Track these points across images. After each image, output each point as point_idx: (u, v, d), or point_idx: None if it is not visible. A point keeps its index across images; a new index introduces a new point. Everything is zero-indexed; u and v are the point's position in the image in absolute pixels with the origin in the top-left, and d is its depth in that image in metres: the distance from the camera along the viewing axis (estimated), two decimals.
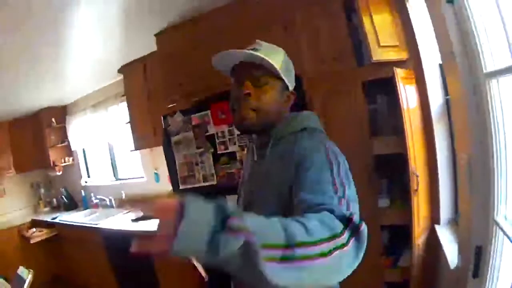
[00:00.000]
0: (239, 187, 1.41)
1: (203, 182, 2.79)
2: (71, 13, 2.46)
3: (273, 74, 1.16)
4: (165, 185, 3.98)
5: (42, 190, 6.40)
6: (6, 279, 2.77)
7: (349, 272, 0.74)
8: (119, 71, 4.05)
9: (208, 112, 2.69)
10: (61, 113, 5.74)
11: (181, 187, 2.90)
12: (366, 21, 2.15)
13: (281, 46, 1.23)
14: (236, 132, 2.58)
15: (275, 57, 1.16)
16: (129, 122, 3.99)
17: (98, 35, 3.04)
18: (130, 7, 2.58)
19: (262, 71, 1.14)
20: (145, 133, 3.77)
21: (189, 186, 2.85)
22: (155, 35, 3.20)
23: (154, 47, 3.30)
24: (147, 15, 2.77)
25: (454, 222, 2.20)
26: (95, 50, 3.39)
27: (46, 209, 6.23)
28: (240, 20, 2.67)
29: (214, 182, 2.74)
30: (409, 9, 2.21)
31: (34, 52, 3.04)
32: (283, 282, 0.61)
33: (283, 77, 1.17)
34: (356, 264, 0.74)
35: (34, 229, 5.33)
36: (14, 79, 3.78)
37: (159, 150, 3.70)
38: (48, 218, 5.43)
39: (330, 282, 0.73)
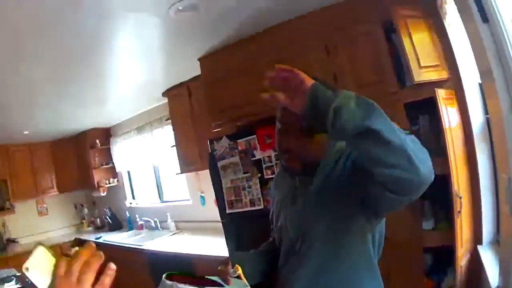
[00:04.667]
0: (273, 213, 1.60)
1: (250, 206, 2.97)
2: (113, 41, 2.73)
3: None
4: (211, 208, 4.19)
5: (86, 210, 6.87)
6: None
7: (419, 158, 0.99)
8: (164, 94, 4.33)
9: (254, 136, 2.87)
10: (105, 134, 6.17)
11: (228, 211, 3.09)
12: (406, 41, 2.24)
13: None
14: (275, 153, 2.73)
15: None
16: (174, 145, 4.24)
17: (141, 61, 3.32)
18: (171, 34, 2.81)
19: None
20: (191, 156, 4.01)
21: (236, 211, 3.03)
22: (199, 59, 3.40)
23: (198, 71, 3.51)
24: (189, 40, 2.98)
25: (496, 242, 2.24)
26: (138, 75, 3.69)
27: (90, 228, 6.70)
28: (280, 43, 2.84)
29: (261, 207, 2.91)
30: (447, 28, 2.30)
31: (78, 77, 3.34)
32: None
33: None
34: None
35: (77, 248, 5.66)
36: (58, 102, 4.16)
37: (205, 173, 3.92)
38: (91, 237, 5.81)
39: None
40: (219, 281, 1.40)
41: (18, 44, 2.41)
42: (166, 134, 4.77)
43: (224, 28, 2.84)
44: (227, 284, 1.39)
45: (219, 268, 1.44)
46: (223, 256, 3.20)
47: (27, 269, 0.74)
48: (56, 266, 0.73)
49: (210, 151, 3.14)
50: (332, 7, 2.57)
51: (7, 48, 2.44)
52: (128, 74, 3.63)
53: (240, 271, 1.42)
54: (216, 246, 3.60)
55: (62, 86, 3.54)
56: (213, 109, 3.35)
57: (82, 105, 4.47)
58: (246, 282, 1.41)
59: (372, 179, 1.07)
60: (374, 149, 1.00)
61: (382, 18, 2.36)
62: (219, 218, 3.51)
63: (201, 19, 2.54)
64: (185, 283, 1.32)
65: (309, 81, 1.02)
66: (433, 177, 1.03)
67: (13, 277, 3.77)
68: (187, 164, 4.14)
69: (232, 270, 1.42)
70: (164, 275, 1.35)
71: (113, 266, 0.74)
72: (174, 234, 4.73)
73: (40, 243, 0.77)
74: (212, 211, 4.17)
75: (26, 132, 5.42)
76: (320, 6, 2.60)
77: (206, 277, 1.41)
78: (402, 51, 2.27)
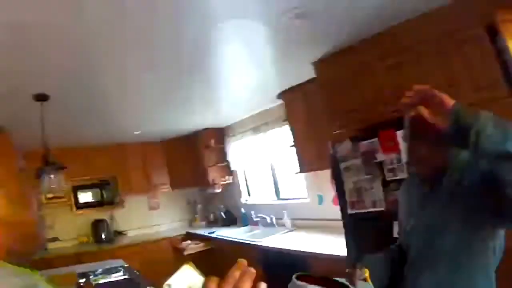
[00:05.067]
0: (401, 218, 1.69)
1: (372, 207, 3.01)
2: (222, 48, 2.92)
3: None
4: (328, 207, 4.30)
5: (199, 206, 7.35)
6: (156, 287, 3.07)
7: None
8: (278, 97, 4.52)
9: (376, 139, 2.91)
10: (220, 134, 6.51)
11: (349, 212, 3.16)
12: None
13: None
14: (404, 160, 2.75)
15: None
16: (293, 145, 4.40)
17: (251, 66, 3.50)
18: (282, 41, 2.92)
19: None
20: (309, 156, 4.14)
21: (358, 211, 3.10)
22: (312, 63, 3.50)
23: (312, 74, 3.62)
24: (301, 46, 3.07)
25: None
26: (250, 79, 3.89)
27: (202, 223, 7.13)
28: (395, 47, 2.85)
29: (383, 208, 2.94)
30: None
31: (189, 82, 3.60)
32: None
33: None
34: None
35: (189, 241, 6.16)
36: (172, 105, 4.55)
37: (324, 173, 4.03)
38: (204, 232, 6.21)
39: None
40: (346, 283, 1.49)
41: (128, 54, 2.70)
42: (283, 134, 4.95)
43: (336, 33, 2.89)
44: (354, 286, 1.46)
45: (346, 270, 1.53)
46: (339, 256, 3.31)
47: (168, 286, 0.76)
48: (205, 285, 0.74)
49: (332, 153, 3.23)
50: (436, 11, 2.55)
51: (120, 57, 2.74)
52: (240, 79, 3.84)
53: (367, 274, 1.48)
54: (332, 245, 3.66)
55: (173, 90, 3.86)
56: (331, 112, 3.45)
57: (193, 108, 4.82)
58: (372, 286, 1.47)
59: (502, 195, 1.13)
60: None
61: (485, 22, 2.31)
62: (335, 217, 3.59)
63: (313, 25, 2.62)
64: (313, 283, 1.44)
65: (449, 102, 1.16)
66: None
67: (120, 268, 3.91)
68: (305, 164, 4.27)
69: (359, 273, 1.49)
70: (294, 276, 1.46)
71: (263, 286, 0.76)
72: (289, 231, 4.87)
73: (187, 263, 0.80)
74: (329, 210, 4.29)
75: (137, 133, 5.93)
76: (426, 9, 2.58)
77: (333, 278, 1.51)
78: (508, 54, 2.21)
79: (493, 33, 2.31)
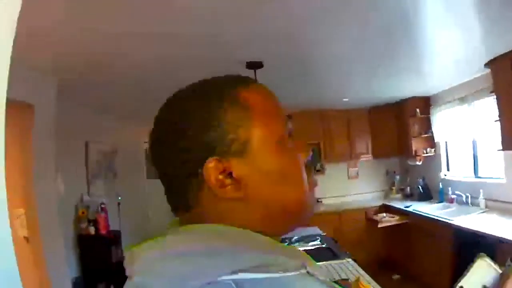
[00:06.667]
0: None
1: None
2: (421, 15, 2.88)
3: None
4: None
5: (397, 177, 7.28)
6: (353, 258, 3.05)
7: None
8: (486, 65, 4.19)
9: None
10: (425, 104, 6.32)
11: None
12: None
13: None
14: None
15: None
16: (498, 120, 4.09)
17: (456, 33, 3.33)
18: (491, 4, 2.70)
19: None
20: None
21: None
22: None
23: None
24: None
25: None
26: (455, 47, 3.72)
27: (398, 195, 7.08)
28: None
29: None
30: None
31: (396, 52, 3.69)
32: None
33: None
34: None
35: (384, 214, 6.22)
36: (380, 75, 4.63)
37: None
38: (399, 205, 6.21)
39: None
40: None
41: (339, 26, 2.89)
42: (489, 106, 4.60)
43: None
44: None
45: None
46: None
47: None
48: None
49: None
50: None
51: (332, 28, 2.93)
52: (444, 46, 3.70)
53: None
54: None
55: (381, 61, 3.97)
56: None
57: (400, 77, 4.84)
58: None
59: None
60: None
61: None
62: None
63: None
64: None
65: None
66: None
67: (317, 237, 3.79)
68: (509, 141, 3.95)
69: None
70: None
71: None
72: (483, 212, 4.62)
73: (481, 257, 0.79)
74: None
75: (345, 99, 6.13)
76: None
77: None
78: None
79: None
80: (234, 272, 0.52)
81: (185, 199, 0.67)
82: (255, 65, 3.52)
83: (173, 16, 2.51)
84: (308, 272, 0.58)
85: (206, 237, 0.60)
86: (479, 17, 3.02)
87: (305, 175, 0.70)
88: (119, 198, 5.64)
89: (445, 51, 3.85)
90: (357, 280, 1.99)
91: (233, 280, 0.52)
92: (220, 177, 0.62)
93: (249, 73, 3.52)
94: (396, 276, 5.86)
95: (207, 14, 2.49)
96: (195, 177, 0.64)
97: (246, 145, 0.64)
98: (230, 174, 0.63)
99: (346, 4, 2.50)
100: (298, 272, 0.56)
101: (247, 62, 3.49)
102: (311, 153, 0.74)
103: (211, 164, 0.62)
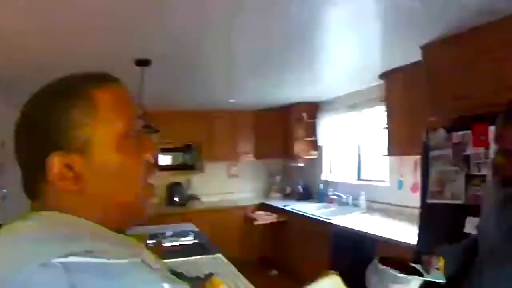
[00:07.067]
0: (483, 210, 1.72)
1: (451, 199, 3.03)
2: (327, 29, 3.01)
3: None
4: (407, 194, 4.34)
5: (279, 178, 7.56)
6: (223, 254, 3.19)
7: None
8: (380, 77, 4.55)
9: (469, 132, 2.91)
10: (313, 109, 6.59)
11: (428, 201, 3.20)
12: None
13: None
14: (491, 156, 2.72)
15: None
16: (386, 127, 4.44)
17: (356, 47, 3.56)
18: (390, 20, 2.91)
19: None
20: (400, 141, 4.16)
21: (436, 201, 3.13)
22: (421, 47, 3.46)
23: (417, 57, 3.58)
24: (410, 28, 3.06)
25: None
26: (353, 60, 3.97)
27: (278, 195, 7.34)
28: (498, 45, 2.80)
29: (461, 202, 2.94)
30: None
31: (291, 56, 3.71)
32: None
33: None
34: None
35: (262, 212, 6.44)
36: (268, 77, 4.68)
37: (409, 158, 4.14)
38: (278, 204, 6.44)
39: None
40: (421, 269, 1.59)
41: (231, 22, 2.81)
42: (377, 114, 4.99)
43: (450, 18, 2.83)
44: (428, 273, 1.57)
45: (423, 257, 1.63)
46: (407, 244, 3.39)
47: None
48: None
49: (424, 140, 3.26)
50: None
51: (222, 25, 2.88)
52: (343, 59, 3.91)
53: (441, 264, 1.58)
54: (403, 232, 3.74)
55: (271, 63, 3.99)
56: (433, 98, 3.43)
57: (291, 81, 4.92)
58: (444, 275, 1.57)
59: None
60: None
61: None
62: (412, 204, 3.63)
63: (426, 7, 2.58)
64: (392, 267, 1.56)
65: None
66: None
67: (190, 232, 3.95)
68: (395, 147, 4.31)
69: (435, 261, 1.59)
70: (376, 259, 1.61)
71: None
72: (364, 212, 4.98)
73: (332, 274, 0.84)
74: (406, 197, 4.35)
75: (231, 101, 6.16)
76: None
77: (410, 264, 1.62)
78: None
79: None
80: (66, 256, 0.55)
81: (32, 188, 0.71)
82: (143, 63, 3.52)
83: (58, 11, 2.39)
84: (142, 261, 0.63)
85: (44, 224, 0.65)
86: (381, 32, 3.25)
87: (144, 175, 0.76)
88: (4, 191, 5.15)
89: (341, 61, 4.08)
90: (210, 276, 2.11)
91: (63, 263, 0.55)
92: (62, 171, 0.67)
93: (137, 70, 3.55)
94: (274, 272, 6.09)
95: (97, 9, 2.41)
96: (41, 169, 0.67)
97: (88, 142, 0.69)
98: (72, 169, 0.68)
99: (238, 7, 2.47)
100: (130, 260, 0.61)
101: (136, 60, 3.47)
102: (157, 152, 0.82)
103: (54, 158, 0.67)
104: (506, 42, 2.76)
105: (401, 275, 1.49)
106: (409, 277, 1.50)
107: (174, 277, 0.70)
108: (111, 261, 0.57)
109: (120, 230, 0.73)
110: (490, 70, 2.86)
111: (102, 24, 2.66)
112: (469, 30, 3.02)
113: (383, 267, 1.54)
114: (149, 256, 0.67)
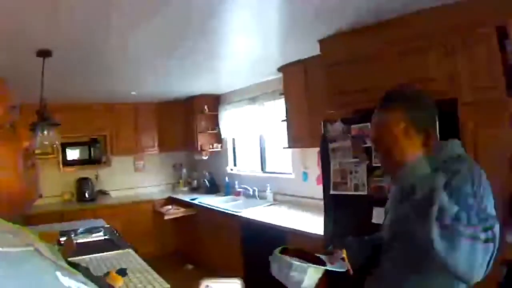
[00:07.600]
0: (386, 206, 1.78)
1: (354, 191, 3.13)
2: (231, 18, 2.93)
3: None
4: (312, 185, 4.44)
5: (184, 171, 7.51)
6: (134, 249, 3.23)
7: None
8: (279, 69, 4.58)
9: (368, 124, 3.00)
10: (215, 101, 6.63)
11: (331, 192, 3.29)
12: None
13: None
14: None
15: None
16: (285, 120, 4.49)
17: (257, 38, 3.54)
18: (292, 14, 2.92)
19: None
20: (300, 133, 4.24)
21: (340, 193, 3.22)
22: (319, 41, 3.52)
23: (316, 51, 3.65)
24: (310, 21, 3.07)
25: None
26: (254, 51, 3.93)
27: (185, 189, 7.29)
28: (400, 39, 2.91)
29: (365, 193, 3.06)
30: None
31: (191, 46, 3.59)
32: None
33: None
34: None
35: (170, 206, 6.32)
36: (169, 68, 4.54)
37: (312, 150, 4.19)
38: (186, 198, 6.38)
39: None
40: (325, 260, 1.61)
41: (130, 12, 2.64)
42: (277, 107, 5.04)
43: (347, 13, 2.89)
44: (331, 264, 1.59)
45: (328, 248, 1.68)
46: (316, 234, 3.47)
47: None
48: None
49: (323, 132, 3.32)
50: (450, 6, 2.58)
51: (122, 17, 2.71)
52: (244, 49, 3.87)
53: (345, 255, 1.60)
54: (311, 223, 3.83)
55: (172, 54, 3.86)
56: (330, 91, 3.51)
57: (192, 73, 4.83)
58: (348, 265, 1.58)
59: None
60: None
61: (497, 23, 2.37)
62: (318, 196, 3.72)
63: (324, 1, 2.62)
64: (292, 255, 1.57)
65: None
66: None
67: (101, 228, 3.93)
68: (295, 140, 4.39)
69: (339, 252, 1.62)
70: (277, 249, 1.61)
71: None
72: (271, 205, 5.05)
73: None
74: (312, 188, 4.45)
75: (133, 93, 5.97)
76: (440, 3, 2.60)
77: (315, 254, 1.63)
78: None
79: (503, 35, 2.36)
80: None
81: None
82: (44, 54, 3.32)
83: None
84: (36, 250, 0.61)
85: None
86: (281, 24, 3.25)
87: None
88: None
89: (241, 54, 4.04)
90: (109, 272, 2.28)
91: None
92: None
93: (39, 61, 3.32)
94: (189, 266, 5.98)
95: None
96: None
97: None
98: None
99: None
100: (23, 249, 0.59)
101: (37, 50, 3.27)
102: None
103: None
104: (411, 36, 2.86)
105: (297, 263, 1.51)
106: (305, 265, 1.51)
107: (68, 266, 0.68)
108: (4, 249, 0.57)
109: (10, 218, 0.71)
110: (395, 62, 2.95)
111: None
112: (374, 24, 3.09)
113: (281, 255, 1.56)
114: (42, 246, 0.65)
